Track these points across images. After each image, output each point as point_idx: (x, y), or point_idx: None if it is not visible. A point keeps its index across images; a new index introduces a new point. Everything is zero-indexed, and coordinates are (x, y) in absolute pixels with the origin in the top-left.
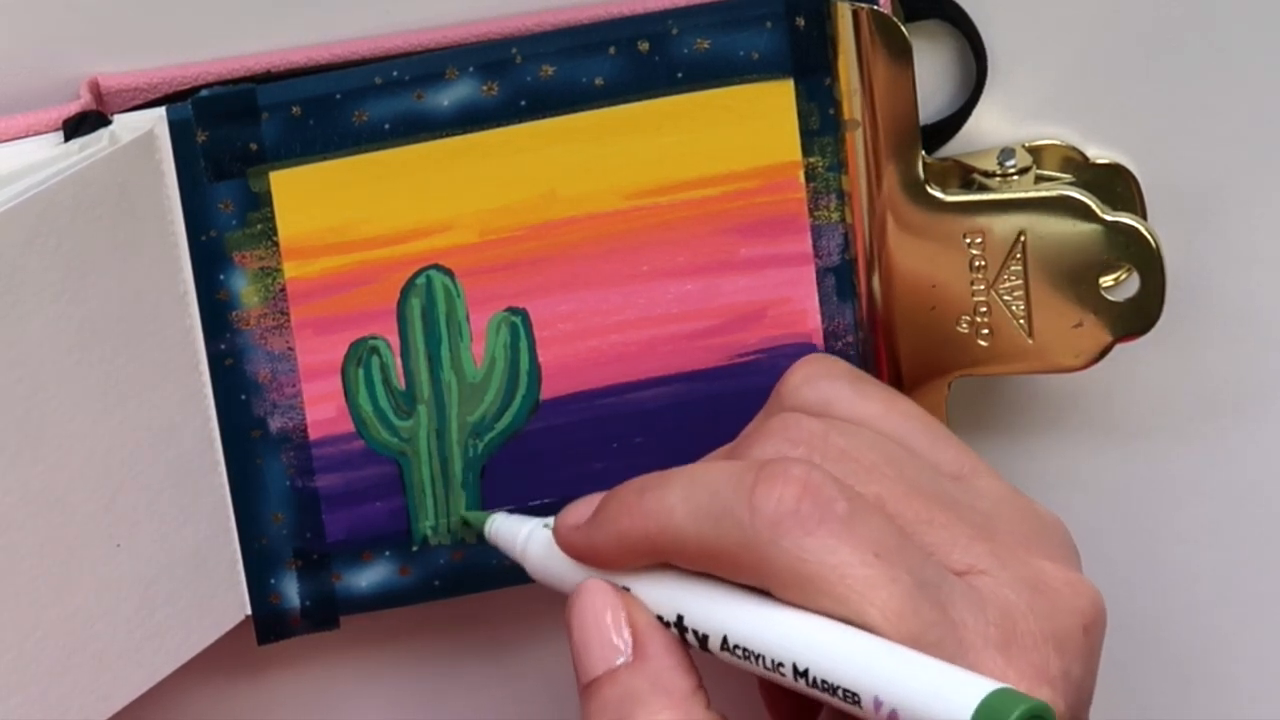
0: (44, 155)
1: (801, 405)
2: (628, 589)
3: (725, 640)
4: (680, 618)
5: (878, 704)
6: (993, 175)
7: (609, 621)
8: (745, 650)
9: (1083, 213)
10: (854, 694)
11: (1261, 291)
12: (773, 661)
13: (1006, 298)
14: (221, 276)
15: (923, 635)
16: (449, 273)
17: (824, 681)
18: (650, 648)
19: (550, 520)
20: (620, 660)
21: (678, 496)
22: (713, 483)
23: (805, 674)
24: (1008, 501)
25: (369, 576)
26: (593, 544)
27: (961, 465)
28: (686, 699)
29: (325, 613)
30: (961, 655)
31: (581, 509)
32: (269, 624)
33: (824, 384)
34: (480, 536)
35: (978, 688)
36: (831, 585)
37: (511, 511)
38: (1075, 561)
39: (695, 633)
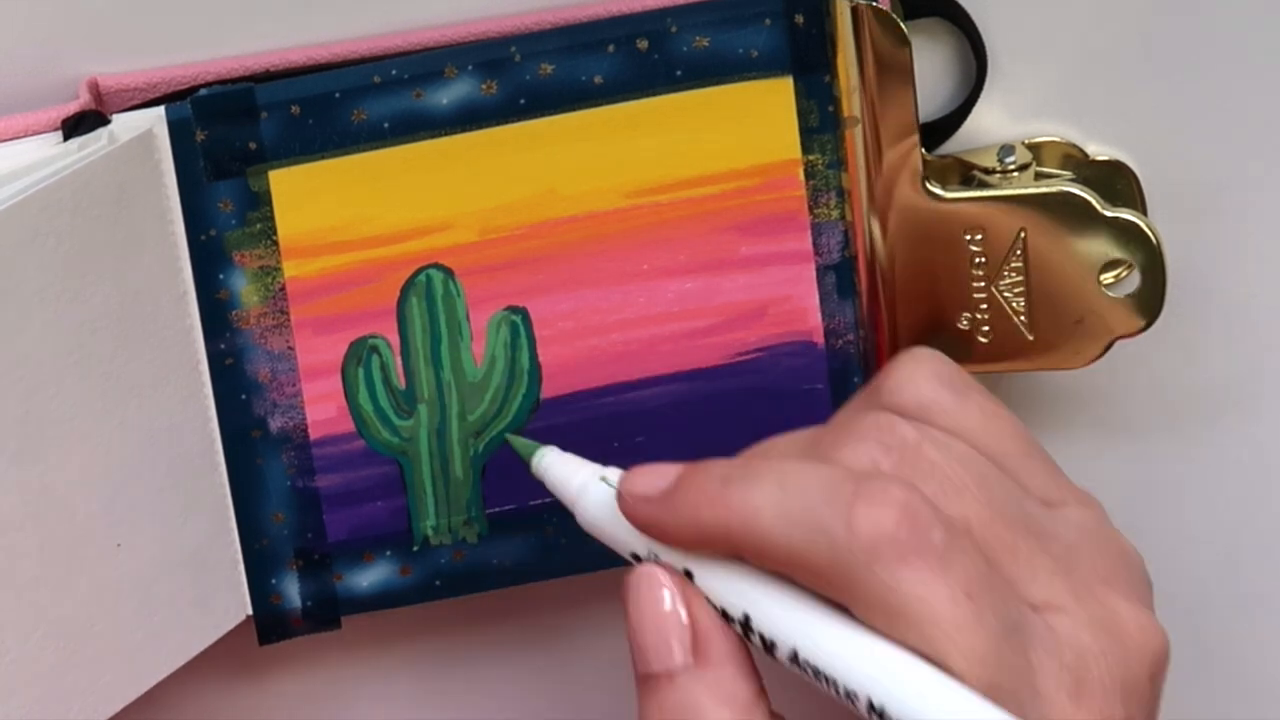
0: (43, 155)
1: (900, 405)
2: (690, 573)
3: (795, 654)
4: (747, 618)
5: None
6: (993, 172)
7: (669, 618)
8: (817, 670)
9: (1083, 209)
10: None
11: (1262, 288)
12: (846, 689)
13: (1007, 294)
14: (221, 276)
15: (1002, 683)
16: (449, 271)
17: None
18: (712, 652)
19: (609, 473)
20: (679, 661)
21: (767, 497)
22: (806, 489)
23: (881, 712)
24: (1092, 533)
25: (370, 576)
26: (663, 524)
27: (1051, 491)
28: (748, 708)
29: (327, 613)
30: (1034, 701)
31: (653, 479)
32: (270, 624)
33: (926, 387)
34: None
35: None
36: (919, 621)
37: (565, 452)
38: (1149, 599)
39: (762, 636)
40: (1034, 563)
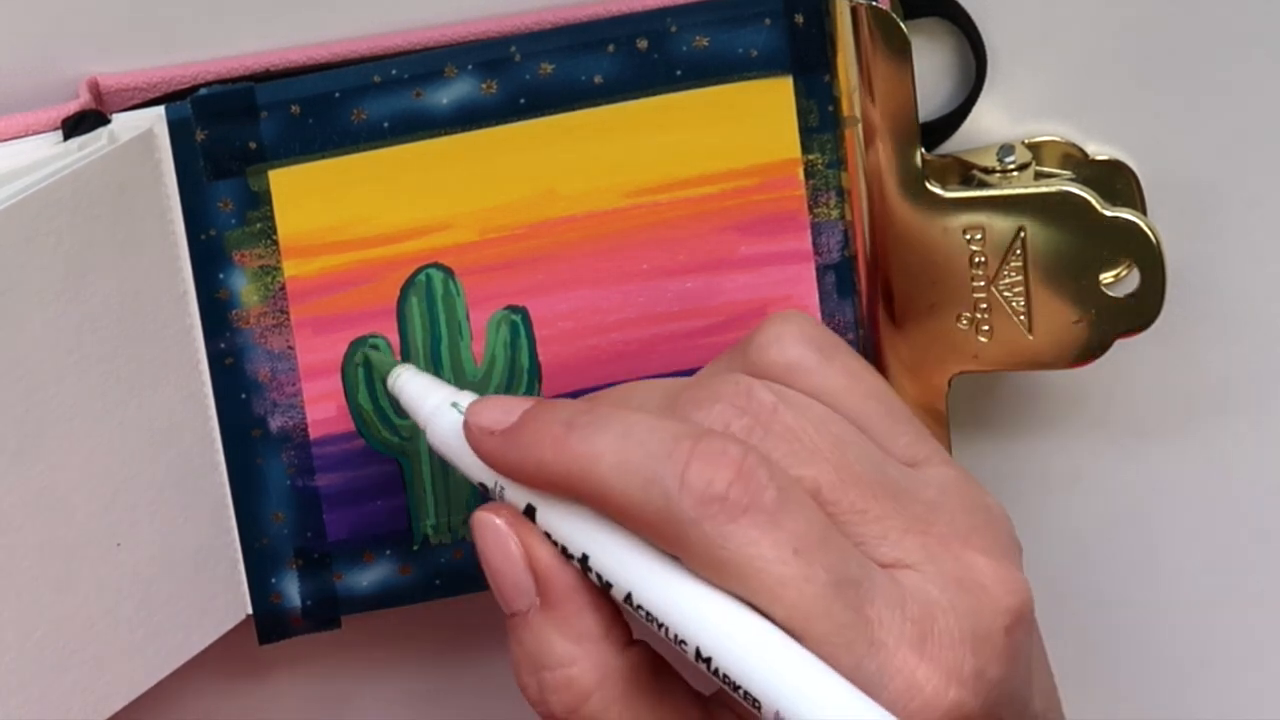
0: (43, 154)
1: (764, 365)
2: (533, 508)
3: (629, 597)
4: (585, 557)
5: (778, 719)
6: (992, 172)
7: (511, 562)
8: (649, 615)
9: (1083, 209)
10: (755, 700)
11: (1262, 287)
12: (676, 636)
13: (1006, 294)
14: (221, 275)
15: (830, 637)
16: (449, 271)
17: (726, 676)
18: (554, 591)
19: (460, 400)
20: (526, 602)
21: (607, 445)
22: (646, 442)
23: (708, 661)
24: (955, 491)
25: (370, 576)
26: (506, 460)
27: (915, 451)
28: (599, 643)
29: (327, 612)
30: (872, 655)
31: (498, 413)
32: (270, 624)
33: (792, 348)
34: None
35: None
36: (745, 576)
37: (422, 371)
38: (1015, 555)
39: (599, 577)
40: (885, 523)
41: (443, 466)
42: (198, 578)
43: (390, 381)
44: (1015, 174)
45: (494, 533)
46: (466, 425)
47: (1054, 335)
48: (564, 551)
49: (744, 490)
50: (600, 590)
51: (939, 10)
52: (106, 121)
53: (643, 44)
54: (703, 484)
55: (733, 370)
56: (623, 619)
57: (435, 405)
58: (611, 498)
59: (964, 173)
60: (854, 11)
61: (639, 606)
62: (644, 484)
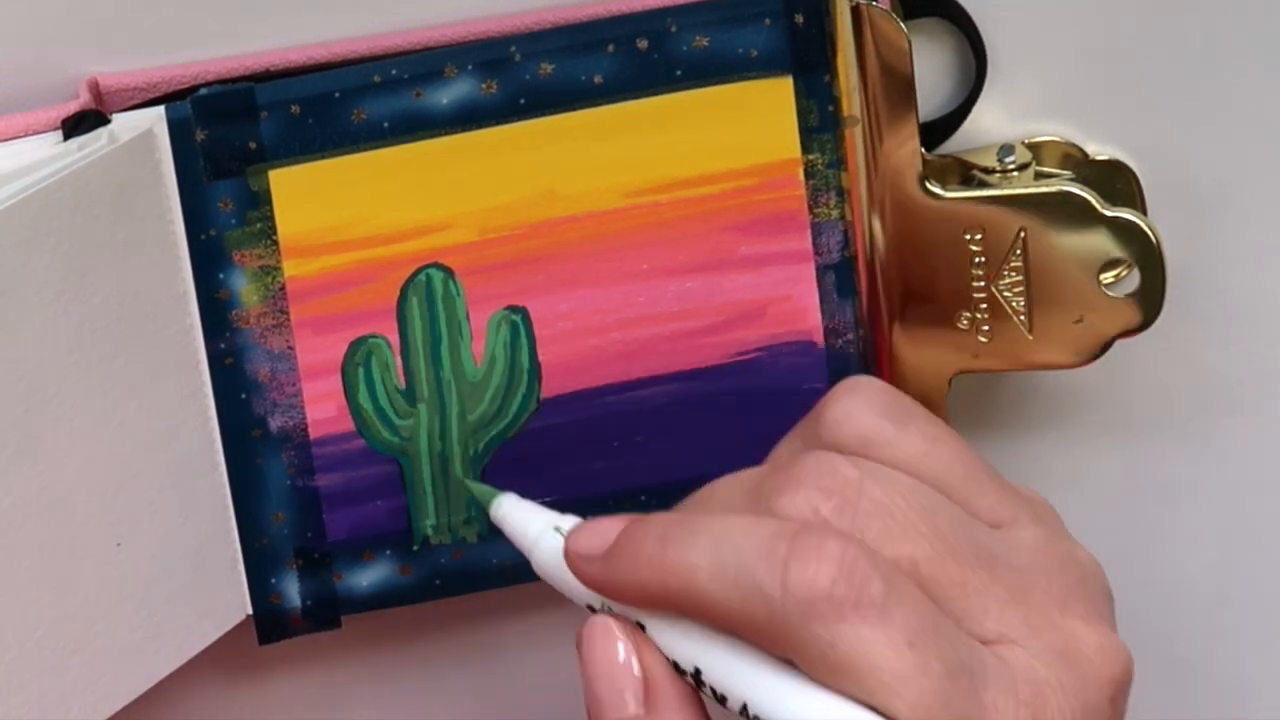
0: (43, 154)
1: (839, 441)
2: (642, 626)
3: (745, 708)
4: (698, 671)
5: None
6: (992, 172)
7: (620, 668)
8: None
9: (1083, 209)
10: None
11: (1262, 287)
12: None
13: (1007, 294)
14: (221, 275)
15: None
16: (449, 271)
17: None
18: (661, 702)
19: (562, 524)
20: (631, 712)
21: (703, 556)
22: (741, 547)
23: None
24: (1045, 552)
25: (370, 576)
26: (608, 584)
27: (1001, 513)
28: None
29: (327, 612)
30: None
31: (595, 539)
32: (270, 624)
33: (865, 420)
34: (466, 509)
35: None
36: (862, 675)
37: (523, 497)
38: (1109, 613)
39: (713, 690)
40: (985, 595)
41: (443, 467)
42: (198, 578)
43: (492, 511)
44: (1015, 174)
45: (606, 637)
46: (567, 554)
47: (1054, 335)
48: (675, 668)
49: (849, 585)
50: (704, 707)
51: (939, 10)
52: (106, 121)
53: (643, 44)
54: (805, 584)
55: (809, 449)
56: None
57: (538, 532)
58: (714, 608)
59: (964, 173)
60: (854, 11)
61: (755, 717)
62: (745, 592)
